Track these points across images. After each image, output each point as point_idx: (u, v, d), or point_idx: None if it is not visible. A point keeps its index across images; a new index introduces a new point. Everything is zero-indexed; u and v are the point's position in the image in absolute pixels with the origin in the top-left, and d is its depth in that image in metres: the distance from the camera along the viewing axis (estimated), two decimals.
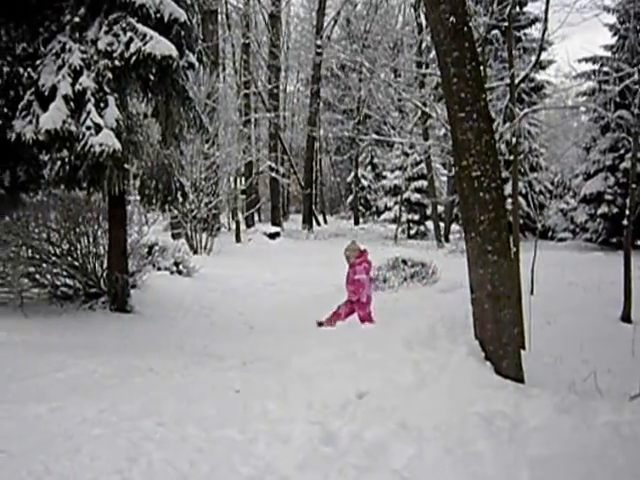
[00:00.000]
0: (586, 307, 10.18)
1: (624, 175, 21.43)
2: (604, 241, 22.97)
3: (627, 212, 10.21)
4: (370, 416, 4.59)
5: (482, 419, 4.30)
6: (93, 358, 7.10)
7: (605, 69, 22.33)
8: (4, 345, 7.65)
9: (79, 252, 10.67)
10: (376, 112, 28.46)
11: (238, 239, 23.79)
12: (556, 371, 6.29)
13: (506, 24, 8.54)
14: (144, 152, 10.39)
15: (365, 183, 37.58)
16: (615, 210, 22.25)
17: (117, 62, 8.62)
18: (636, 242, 15.36)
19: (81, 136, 8.40)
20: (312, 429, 4.49)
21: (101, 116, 8.54)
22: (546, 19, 8.28)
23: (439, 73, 5.41)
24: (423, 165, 27.08)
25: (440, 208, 27.89)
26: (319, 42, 27.62)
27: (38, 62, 8.84)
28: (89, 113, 8.44)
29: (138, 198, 11.09)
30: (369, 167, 38.15)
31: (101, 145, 8.35)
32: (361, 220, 36.04)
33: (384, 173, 34.01)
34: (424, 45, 25.42)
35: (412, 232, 30.12)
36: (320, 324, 9.03)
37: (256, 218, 32.86)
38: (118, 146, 8.48)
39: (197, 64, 10.23)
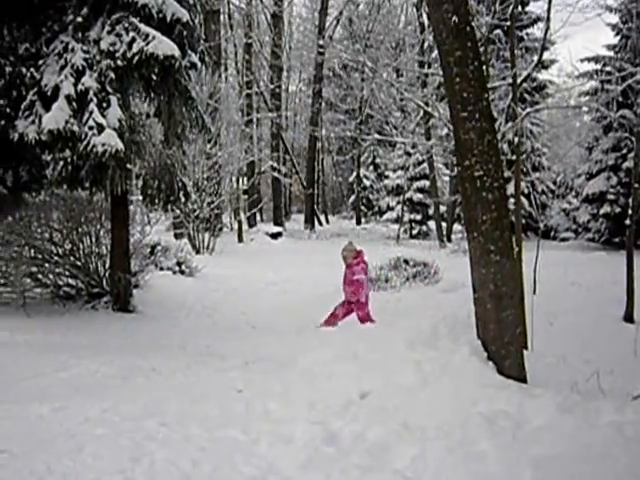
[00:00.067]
0: (588, 307, 10.18)
1: (627, 175, 21.38)
2: (606, 241, 22.93)
3: (630, 212, 10.20)
4: (372, 416, 4.59)
5: (485, 419, 4.30)
6: (96, 358, 7.11)
7: (607, 69, 22.30)
8: (6, 345, 7.66)
9: (82, 252, 10.68)
10: (378, 112, 28.46)
11: (240, 239, 23.80)
12: (559, 371, 6.29)
13: (508, 24, 8.54)
14: (146, 152, 10.41)
15: (367, 183, 37.56)
16: (617, 210, 22.21)
17: (119, 62, 8.63)
18: (639, 242, 15.30)
19: (84, 136, 8.41)
20: (314, 429, 4.49)
21: (104, 116, 8.55)
22: (548, 18, 8.28)
23: (441, 73, 5.41)
24: (425, 165, 27.06)
25: (442, 208, 27.85)
26: (321, 42, 27.60)
27: (41, 62, 8.86)
28: (92, 113, 8.45)
29: (140, 198, 11.10)
30: (371, 167, 38.13)
31: (104, 145, 8.36)
32: (363, 220, 36.01)
33: (386, 173, 34.00)
34: (426, 45, 25.38)
35: (414, 232, 30.10)
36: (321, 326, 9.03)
37: (258, 218, 32.86)
38: (121, 146, 8.48)
39: (199, 64, 10.24)
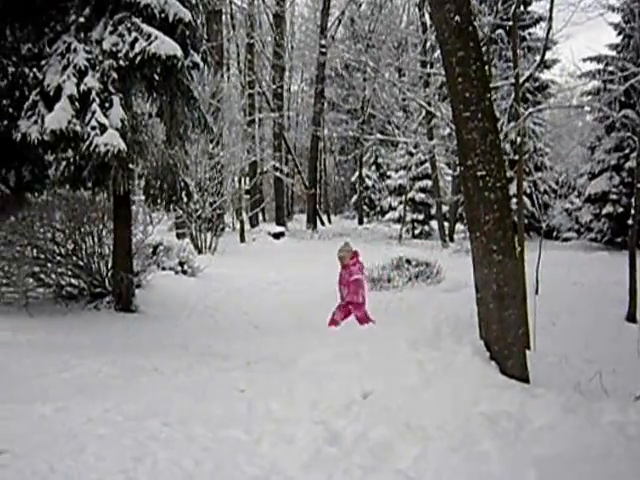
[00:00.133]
0: (591, 307, 10.16)
1: (629, 174, 21.36)
2: (609, 241, 22.90)
3: (632, 212, 10.19)
4: (375, 416, 4.59)
5: (487, 419, 4.29)
6: (98, 358, 7.11)
7: (610, 68, 22.24)
8: (9, 345, 7.67)
9: (84, 252, 10.70)
10: (380, 112, 28.43)
11: (242, 239, 23.81)
12: (561, 371, 6.28)
13: (511, 23, 8.53)
14: (149, 152, 10.42)
15: (369, 183, 37.54)
16: (620, 210, 22.18)
17: (122, 62, 8.64)
18: None
19: (86, 136, 8.43)
20: (317, 429, 4.49)
21: (106, 116, 8.57)
22: (551, 18, 8.27)
23: (444, 72, 5.41)
24: (427, 165, 27.03)
25: (445, 208, 27.85)
26: (323, 42, 27.56)
27: (43, 62, 8.88)
28: (94, 113, 8.46)
29: (143, 198, 11.11)
30: (373, 167, 38.10)
31: (106, 145, 8.37)
32: (365, 220, 35.98)
33: (388, 173, 33.97)
34: (428, 44, 25.34)
35: (416, 232, 30.08)
36: None
37: (260, 218, 32.87)
38: (123, 146, 8.50)
39: (202, 64, 10.25)
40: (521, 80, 8.30)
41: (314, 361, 5.76)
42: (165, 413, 5.03)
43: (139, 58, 8.56)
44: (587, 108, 18.56)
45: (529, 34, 25.71)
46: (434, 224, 28.84)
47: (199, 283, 13.42)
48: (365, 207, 37.08)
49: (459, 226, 27.06)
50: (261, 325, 10.39)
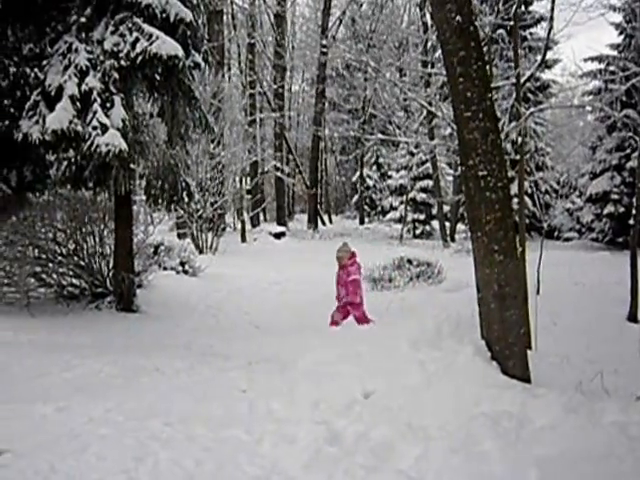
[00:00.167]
0: (592, 307, 10.15)
1: (630, 174, 21.35)
2: (610, 241, 22.89)
3: (634, 211, 10.18)
4: (376, 416, 4.59)
5: (488, 419, 4.29)
6: (99, 358, 7.11)
7: (611, 68, 22.27)
8: (10, 345, 7.67)
9: (85, 252, 10.70)
10: (381, 111, 28.46)
11: (243, 239, 23.82)
12: (562, 371, 6.27)
13: (512, 23, 8.52)
14: (150, 152, 10.42)
15: (370, 183, 37.54)
16: (621, 209, 22.18)
17: (123, 62, 8.65)
18: None
19: (87, 136, 8.43)
20: (318, 429, 4.49)
21: (107, 116, 8.57)
22: (552, 18, 8.25)
23: (445, 72, 5.41)
24: (429, 164, 27.04)
25: (446, 208, 27.84)
26: (324, 42, 27.56)
27: (45, 62, 8.88)
28: (95, 113, 8.47)
29: (144, 198, 11.11)
30: (374, 167, 38.11)
31: (107, 145, 8.38)
32: (366, 220, 35.99)
33: (389, 173, 33.97)
34: (430, 44, 25.36)
35: (418, 232, 30.07)
36: None
37: (261, 218, 32.85)
38: (124, 146, 8.50)
39: (203, 64, 10.25)
40: (522, 80, 8.29)
41: (315, 361, 5.77)
42: (166, 413, 5.03)
43: (140, 58, 8.56)
44: (588, 108, 18.59)
45: (530, 34, 25.72)
46: (435, 224, 28.85)
47: (200, 283, 13.42)
48: (366, 207, 37.09)
49: (460, 226, 27.05)
50: (262, 325, 10.39)
